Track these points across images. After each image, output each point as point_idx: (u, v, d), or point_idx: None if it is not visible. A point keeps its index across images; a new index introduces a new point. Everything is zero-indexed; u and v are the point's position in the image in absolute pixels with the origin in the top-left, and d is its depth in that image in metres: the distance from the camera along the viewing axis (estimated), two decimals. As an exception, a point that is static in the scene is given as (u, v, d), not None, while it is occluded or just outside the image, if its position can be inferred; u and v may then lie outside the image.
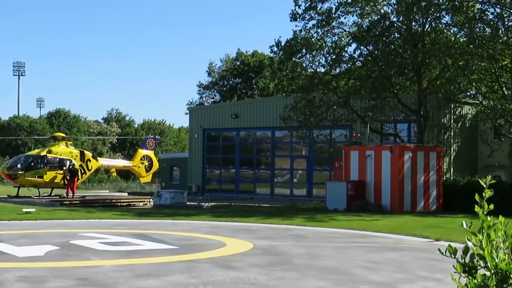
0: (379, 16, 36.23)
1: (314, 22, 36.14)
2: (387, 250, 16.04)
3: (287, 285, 10.91)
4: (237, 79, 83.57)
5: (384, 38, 35.77)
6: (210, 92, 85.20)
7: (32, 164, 39.74)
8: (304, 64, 37.42)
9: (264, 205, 36.59)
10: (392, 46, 35.52)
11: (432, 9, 34.43)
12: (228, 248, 15.71)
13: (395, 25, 36.21)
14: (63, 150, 41.16)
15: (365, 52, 36.83)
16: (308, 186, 43.79)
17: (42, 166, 39.83)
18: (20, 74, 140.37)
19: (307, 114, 36.47)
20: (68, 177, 39.61)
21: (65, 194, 39.71)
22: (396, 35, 36.12)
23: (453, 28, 36.08)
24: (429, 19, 35.03)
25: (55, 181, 40.25)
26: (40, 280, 11.04)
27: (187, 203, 36.86)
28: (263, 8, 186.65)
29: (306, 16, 36.06)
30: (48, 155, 40.47)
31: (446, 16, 35.46)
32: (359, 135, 35.82)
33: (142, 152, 48.56)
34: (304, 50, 36.53)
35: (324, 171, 43.42)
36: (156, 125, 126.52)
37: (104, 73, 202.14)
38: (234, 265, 12.90)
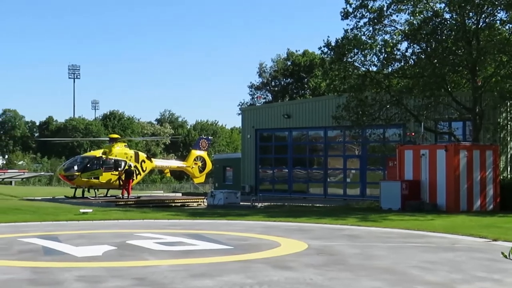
0: (431, 13, 35.75)
1: (365, 20, 35.91)
2: (443, 250, 15.85)
3: (342, 285, 10.88)
4: (288, 79, 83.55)
5: (436, 36, 35.28)
6: (261, 93, 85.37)
7: (88, 165, 40.44)
8: (356, 63, 37.18)
9: (317, 205, 36.51)
10: (445, 44, 35.00)
11: (486, 6, 33.84)
12: (282, 248, 15.74)
13: (448, 22, 35.69)
14: (118, 151, 41.77)
15: (418, 50, 36.40)
16: (361, 186, 43.52)
17: (98, 167, 40.50)
18: (75, 77, 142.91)
19: (360, 114, 36.23)
20: (123, 178, 40.21)
21: (120, 195, 40.29)
22: (449, 32, 35.59)
23: (508, 25, 35.37)
24: (483, 16, 34.44)
25: (110, 182, 40.87)
26: (97, 279, 11.23)
27: (241, 203, 37.02)
28: (312, 7, 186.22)
29: (357, 14, 35.84)
30: (103, 156, 41.14)
31: (501, 12, 34.80)
32: (413, 134, 35.42)
33: (195, 152, 48.93)
34: (355, 50, 36.29)
35: (377, 171, 43.11)
36: (209, 126, 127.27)
37: (157, 74, 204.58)
38: (289, 265, 12.92)
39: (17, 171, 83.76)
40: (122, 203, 36.96)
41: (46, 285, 10.79)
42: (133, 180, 41.21)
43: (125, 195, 39.75)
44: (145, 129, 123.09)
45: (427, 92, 34.44)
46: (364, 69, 37.22)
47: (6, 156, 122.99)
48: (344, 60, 36.48)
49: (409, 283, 11.03)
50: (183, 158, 64.76)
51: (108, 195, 41.80)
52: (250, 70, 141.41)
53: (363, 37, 36.11)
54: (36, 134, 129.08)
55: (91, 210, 28.50)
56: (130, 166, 40.88)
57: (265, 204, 36.48)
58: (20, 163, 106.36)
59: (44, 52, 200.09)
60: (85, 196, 40.17)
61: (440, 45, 34.79)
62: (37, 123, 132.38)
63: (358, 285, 10.93)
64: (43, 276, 11.57)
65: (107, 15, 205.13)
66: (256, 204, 36.08)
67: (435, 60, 34.51)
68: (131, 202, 37.75)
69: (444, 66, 34.37)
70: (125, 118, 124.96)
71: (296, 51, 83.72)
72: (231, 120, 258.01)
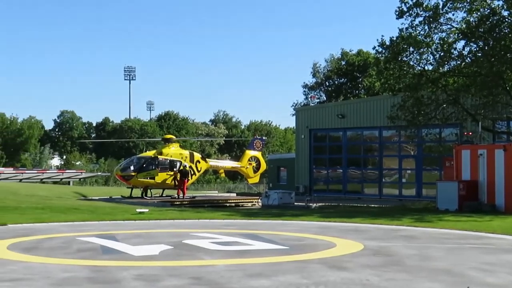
0: (488, 11, 35.09)
1: (420, 19, 35.44)
2: (502, 251, 15.56)
3: (399, 287, 10.77)
4: (342, 79, 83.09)
5: (494, 34, 34.61)
6: (315, 93, 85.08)
7: (144, 165, 40.93)
8: (411, 62, 36.75)
9: (372, 205, 36.25)
10: (504, 42, 34.30)
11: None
12: (338, 249, 15.67)
13: (506, 20, 34.98)
14: (173, 152, 42.16)
15: (475, 49, 35.79)
16: (417, 186, 43.06)
17: (153, 167, 40.95)
18: (131, 78, 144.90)
19: (415, 113, 35.79)
20: (178, 178, 40.57)
21: (176, 195, 40.67)
22: (507, 30, 34.87)
23: None
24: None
25: (166, 182, 41.28)
26: (155, 278, 11.34)
27: (295, 203, 36.99)
28: (366, 6, 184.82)
29: (412, 13, 35.41)
30: (159, 156, 41.59)
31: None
32: (470, 133, 34.85)
33: (249, 153, 49.07)
34: (411, 48, 35.86)
35: (433, 171, 42.59)
36: (263, 126, 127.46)
37: (212, 75, 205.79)
38: (345, 265, 12.85)
39: (75, 171, 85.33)
40: (177, 203, 37.30)
41: (105, 283, 10.95)
42: (188, 180, 41.55)
43: (181, 195, 40.11)
44: (200, 129, 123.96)
45: (484, 91, 33.85)
46: (419, 68, 36.75)
47: (64, 157, 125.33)
48: (399, 59, 36.08)
49: (468, 285, 10.85)
50: (237, 158, 65.04)
51: (163, 195, 42.24)
52: (304, 70, 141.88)
53: (419, 36, 35.65)
54: (93, 135, 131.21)
55: (147, 210, 28.83)
56: (185, 166, 41.23)
57: (320, 204, 36.36)
58: (78, 163, 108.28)
59: (101, 55, 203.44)
60: (146, 196, 40.67)
61: (498, 43, 34.11)
62: (94, 124, 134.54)
63: (415, 286, 10.80)
64: (101, 275, 11.75)
65: (161, 17, 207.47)
66: (310, 204, 36.00)
67: (493, 59, 33.87)
68: (186, 202, 38.07)
69: (502, 64, 33.70)
70: (180, 119, 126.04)
71: (350, 50, 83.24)
72: (285, 120, 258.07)
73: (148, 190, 41.24)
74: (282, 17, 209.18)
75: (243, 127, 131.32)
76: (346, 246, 16.15)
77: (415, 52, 36.08)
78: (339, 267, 12.58)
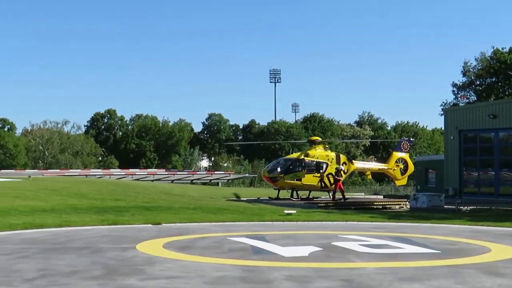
0: None
1: None
2: None
3: (562, 295, 10.23)
4: (494, 78, 79.98)
5: None
6: (465, 92, 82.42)
7: (291, 167, 41.26)
8: None
9: (528, 209, 34.62)
10: None
11: None
12: (493, 254, 15.08)
13: None
14: (320, 154, 42.22)
15: None
16: None
17: (300, 169, 41.20)
18: (276, 81, 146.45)
19: None
20: (326, 180, 40.65)
21: (331, 196, 40.85)
22: None
23: None
24: None
25: (312, 183, 41.40)
26: (306, 280, 11.39)
27: (444, 206, 36.02)
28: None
29: None
30: (305, 158, 41.78)
31: None
32: None
33: (397, 154, 48.29)
34: None
35: None
36: (409, 127, 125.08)
37: (356, 76, 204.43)
38: (502, 271, 12.34)
39: (223, 172, 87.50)
40: (322, 204, 37.33)
41: (257, 283, 11.12)
42: (338, 181, 41.38)
43: (339, 196, 40.32)
44: (345, 131, 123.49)
45: None
46: None
47: (212, 158, 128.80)
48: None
49: None
50: (383, 160, 64.19)
51: (310, 196, 42.41)
52: (453, 69, 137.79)
53: None
54: (240, 137, 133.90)
55: (295, 211, 29.04)
56: (340, 168, 41.24)
57: (471, 207, 35.20)
58: (225, 165, 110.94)
59: (247, 58, 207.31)
60: (293, 197, 41.03)
61: None
62: (241, 126, 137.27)
63: None
64: (253, 275, 11.94)
65: (305, 20, 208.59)
66: (461, 207, 34.92)
67: None
68: (331, 204, 38.04)
69: None
70: (325, 121, 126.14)
71: (502, 48, 80.00)
72: (432, 121, 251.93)
73: (294, 192, 41.54)
74: (432, 16, 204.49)
75: (389, 128, 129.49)
76: (501, 252, 15.52)
77: None
78: (495, 273, 12.11)
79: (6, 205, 28.86)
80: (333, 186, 40.77)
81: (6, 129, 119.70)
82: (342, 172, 41.66)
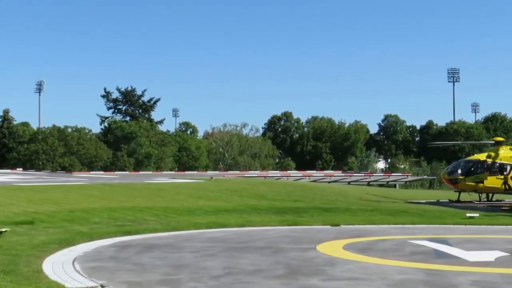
0: None
1: None
2: None
3: None
4: None
5: None
6: None
7: (472, 169, 39.87)
8: None
9: None
10: None
11: None
12: None
13: None
14: (504, 155, 40.43)
15: None
16: None
17: (482, 171, 39.69)
18: (455, 80, 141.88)
19: None
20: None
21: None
22: None
23: None
24: None
25: (495, 186, 39.74)
26: (492, 286, 11.02)
27: None
28: None
29: None
30: (487, 160, 40.20)
31: None
32: None
33: None
34: None
35: None
36: None
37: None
38: None
39: (400, 174, 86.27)
40: (506, 208, 35.70)
41: (441, 287, 10.88)
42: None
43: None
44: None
45: None
46: None
47: (389, 160, 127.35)
48: None
49: None
50: None
51: (493, 199, 40.75)
52: None
53: None
54: (417, 138, 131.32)
55: (477, 215, 27.99)
56: None
57: None
58: (402, 166, 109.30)
59: (424, 57, 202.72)
60: (478, 200, 39.67)
61: None
62: (418, 127, 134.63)
63: None
64: (437, 279, 11.68)
65: (487, 15, 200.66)
66: None
67: None
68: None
69: None
70: (508, 120, 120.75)
71: None
72: None
73: (476, 195, 40.08)
74: None
75: None
76: None
77: None
78: None
79: (191, 205, 30.23)
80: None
81: (188, 132, 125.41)
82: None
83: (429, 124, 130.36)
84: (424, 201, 40.78)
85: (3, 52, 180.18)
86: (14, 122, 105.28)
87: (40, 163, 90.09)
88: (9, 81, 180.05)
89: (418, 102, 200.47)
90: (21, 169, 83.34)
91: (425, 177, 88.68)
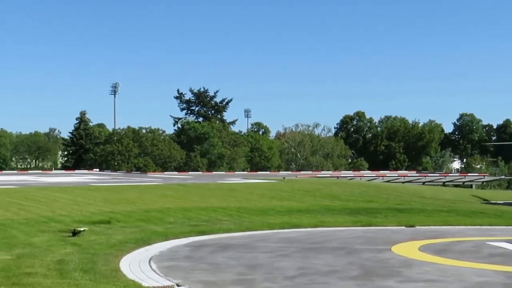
0: None
1: None
2: None
3: None
4: None
5: None
6: None
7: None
8: None
9: None
10: None
11: None
12: None
13: None
14: None
15: None
16: None
17: None
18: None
19: None
20: None
21: None
22: None
23: None
24: None
25: None
26: None
27: None
28: None
29: None
30: None
31: None
32: None
33: None
34: None
35: None
36: None
37: None
38: None
39: (476, 174, 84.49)
40: None
41: (522, 290, 10.59)
42: None
43: None
44: None
45: None
46: None
47: (464, 160, 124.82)
48: None
49: None
50: None
51: None
52: None
53: None
54: (494, 138, 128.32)
55: None
56: None
57: None
58: (478, 166, 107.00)
59: (500, 55, 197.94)
60: None
61: None
62: (495, 127, 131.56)
63: None
64: (518, 282, 11.37)
65: None
66: None
67: None
68: None
69: None
70: None
71: None
72: None
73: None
74: None
75: None
76: None
77: None
78: None
79: (264, 205, 30.30)
80: None
81: (260, 132, 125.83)
82: None
83: (506, 123, 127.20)
84: (501, 202, 39.85)
85: (80, 55, 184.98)
86: (91, 124, 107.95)
87: (116, 163, 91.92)
88: (85, 83, 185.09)
89: (495, 101, 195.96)
90: (98, 169, 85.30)
91: (502, 177, 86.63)
